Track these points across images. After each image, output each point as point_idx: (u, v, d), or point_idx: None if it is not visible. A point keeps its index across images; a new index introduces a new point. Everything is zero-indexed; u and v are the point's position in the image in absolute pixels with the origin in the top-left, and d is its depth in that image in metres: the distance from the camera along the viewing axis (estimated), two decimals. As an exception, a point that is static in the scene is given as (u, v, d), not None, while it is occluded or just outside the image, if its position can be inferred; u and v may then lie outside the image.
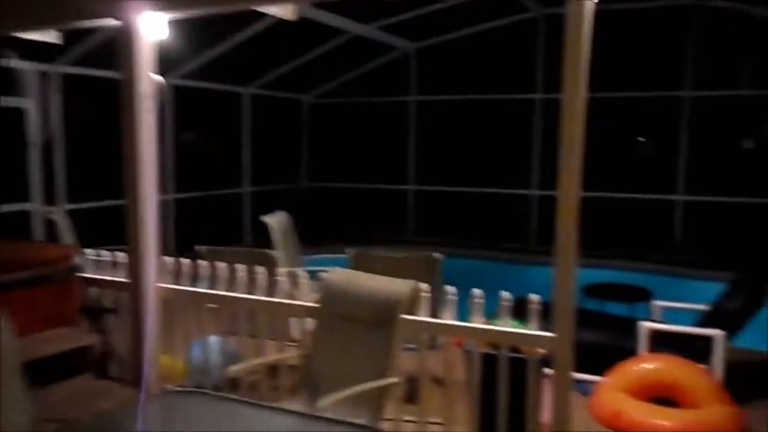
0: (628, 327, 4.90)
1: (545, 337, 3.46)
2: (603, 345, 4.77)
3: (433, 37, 10.83)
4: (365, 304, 3.48)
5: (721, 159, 10.06)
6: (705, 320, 4.79)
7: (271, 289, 4.13)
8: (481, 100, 10.99)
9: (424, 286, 3.74)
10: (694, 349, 4.58)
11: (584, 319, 5.19)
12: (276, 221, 5.81)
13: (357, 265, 4.27)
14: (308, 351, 3.60)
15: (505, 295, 3.70)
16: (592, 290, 6.06)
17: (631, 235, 10.49)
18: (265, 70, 10.06)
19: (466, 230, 11.12)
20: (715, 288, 8.97)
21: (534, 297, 3.65)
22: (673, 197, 10.18)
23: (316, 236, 11.17)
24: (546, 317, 3.55)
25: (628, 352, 4.54)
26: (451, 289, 3.73)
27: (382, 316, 3.42)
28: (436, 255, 4.25)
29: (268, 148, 11.19)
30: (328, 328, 3.56)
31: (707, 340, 4.47)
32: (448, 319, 3.70)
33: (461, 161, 11.38)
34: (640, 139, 10.67)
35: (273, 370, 4.03)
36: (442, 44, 10.95)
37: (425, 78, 11.32)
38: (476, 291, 3.73)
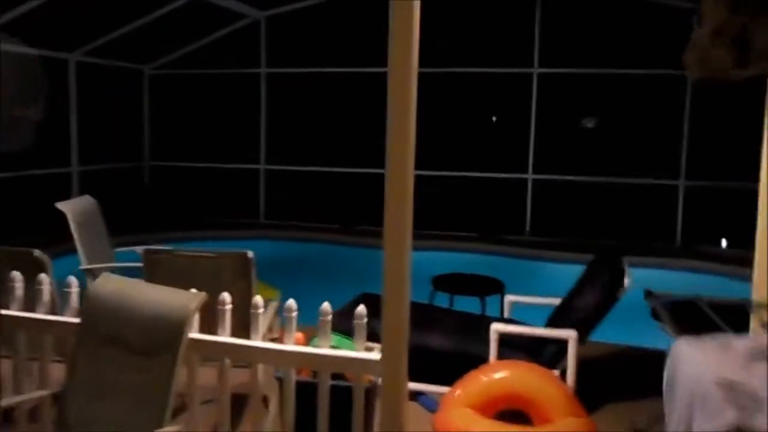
0: (478, 327, 4.32)
1: (368, 360, 2.73)
2: (452, 351, 4.16)
3: (284, 5, 9.90)
4: (138, 324, 2.60)
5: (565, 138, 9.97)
6: (557, 317, 4.29)
7: (35, 300, 3.17)
8: (335, 73, 10.20)
9: (226, 296, 2.92)
10: (547, 353, 4.07)
11: (431, 318, 4.61)
12: (74, 208, 4.71)
13: (150, 268, 3.37)
14: (62, 387, 2.70)
15: (325, 308, 2.93)
16: (441, 282, 5.43)
17: (485, 216, 10.19)
18: (94, 34, 8.74)
19: (321, 212, 10.36)
20: (572, 272, 9.08)
21: (361, 310, 2.90)
22: (525, 176, 9.97)
23: (158, 221, 10.04)
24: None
25: (478, 358, 3.96)
26: (291, 304, 2.91)
27: (160, 341, 2.57)
28: (249, 253, 3.40)
29: (103, 123, 9.86)
30: (88, 356, 2.66)
31: (560, 341, 3.97)
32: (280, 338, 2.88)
33: (315, 138, 10.56)
34: (493, 118, 10.34)
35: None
36: (293, 13, 10.04)
37: (277, 49, 10.38)
38: (291, 303, 2.94)
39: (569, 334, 3.85)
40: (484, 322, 4.41)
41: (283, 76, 10.43)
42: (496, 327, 3.99)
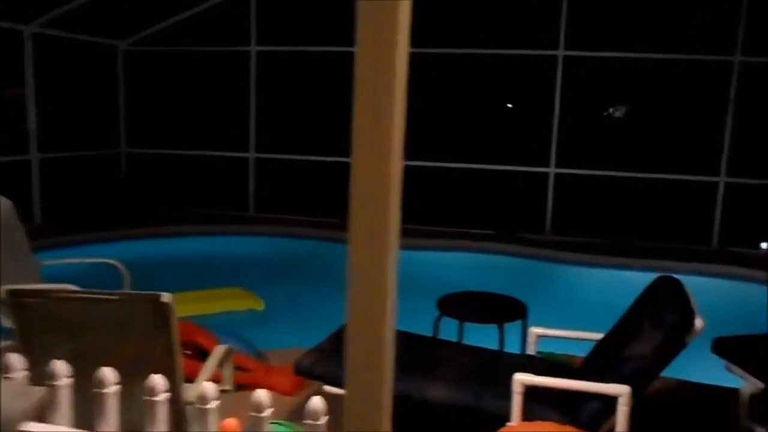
0: (496, 372, 3.36)
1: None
2: (459, 407, 3.19)
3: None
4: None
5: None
6: (602, 362, 3.32)
7: None
8: (334, 52, 9.19)
9: (158, 383, 1.96)
10: (587, 411, 3.10)
11: (432, 358, 3.63)
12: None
13: (20, 317, 2.36)
14: None
15: (260, 398, 1.95)
16: (449, 305, 4.41)
17: (502, 212, 9.23)
18: (54, 2, 7.76)
19: (318, 206, 9.39)
20: (597, 277, 8.10)
21: (316, 406, 1.92)
22: (547, 170, 9.00)
23: (136, 215, 9.12)
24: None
25: (495, 417, 3.01)
26: (207, 390, 1.92)
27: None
28: (165, 298, 2.35)
29: (69, 105, 8.90)
30: None
31: (605, 397, 3.00)
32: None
33: (311, 124, 9.57)
34: (508, 105, 9.34)
35: None
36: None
37: (268, 24, 9.38)
38: (207, 389, 1.95)
39: (620, 390, 2.88)
40: (504, 364, 3.46)
41: (275, 55, 9.45)
42: (521, 378, 3.02)
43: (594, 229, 8.90)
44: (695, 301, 3.17)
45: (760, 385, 3.49)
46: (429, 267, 7.93)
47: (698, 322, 2.83)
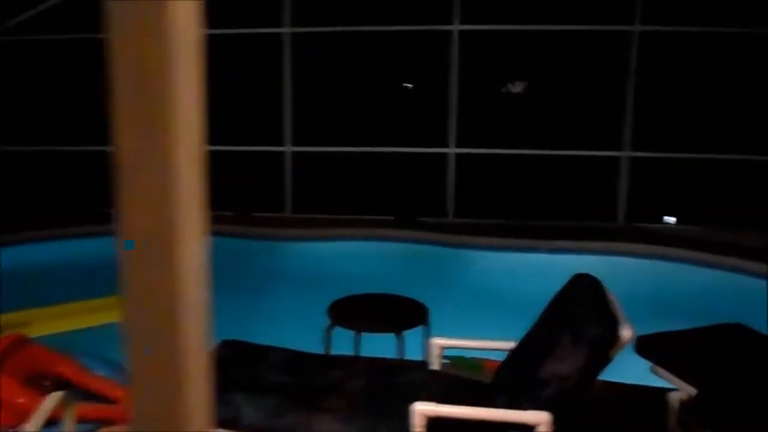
0: (393, 395, 2.82)
1: None
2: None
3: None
4: None
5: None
6: (517, 381, 2.84)
7: None
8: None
9: None
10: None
11: (325, 385, 3.04)
12: None
13: None
14: None
15: None
16: (341, 312, 3.84)
17: (401, 196, 8.75)
18: None
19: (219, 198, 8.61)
20: (504, 262, 7.73)
21: None
22: (447, 150, 8.57)
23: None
24: None
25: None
26: None
27: None
28: None
29: None
30: None
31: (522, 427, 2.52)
32: None
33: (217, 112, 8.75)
34: (408, 85, 8.83)
35: None
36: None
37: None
38: None
39: (539, 418, 2.40)
40: (404, 384, 2.92)
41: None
42: (422, 409, 2.49)
43: (498, 210, 8.56)
44: (617, 302, 2.74)
45: (692, 390, 3.11)
46: (324, 260, 7.37)
47: (625, 333, 2.38)
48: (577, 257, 7.44)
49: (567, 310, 2.62)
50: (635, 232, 8.13)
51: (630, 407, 3.68)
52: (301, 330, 4.36)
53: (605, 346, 2.34)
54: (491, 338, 4.24)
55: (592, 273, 6.47)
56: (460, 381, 3.05)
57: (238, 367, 2.94)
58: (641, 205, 8.51)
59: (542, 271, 7.20)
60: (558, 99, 8.47)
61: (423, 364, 3.23)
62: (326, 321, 3.84)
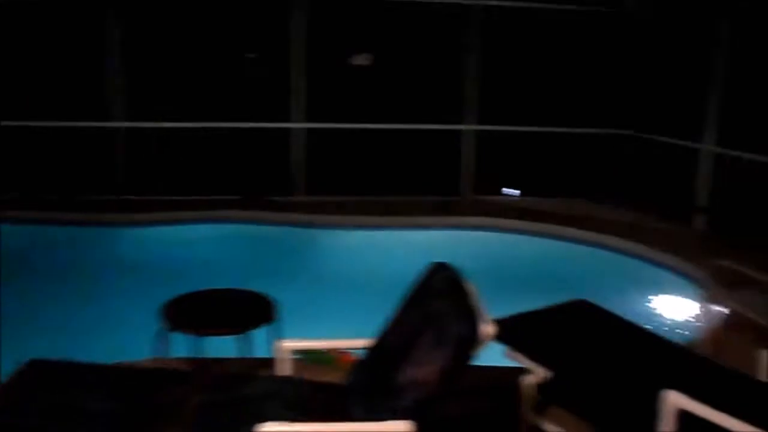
0: (242, 415, 2.50)
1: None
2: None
3: None
4: None
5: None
6: (370, 376, 2.61)
7: None
8: None
9: None
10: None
11: (158, 408, 2.63)
12: None
13: None
14: None
15: None
16: (176, 313, 3.43)
17: (250, 174, 8.30)
18: None
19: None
20: (341, 241, 7.49)
21: None
22: (292, 125, 8.22)
23: None
24: None
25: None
26: None
27: None
28: None
29: None
30: None
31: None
32: None
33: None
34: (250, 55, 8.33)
35: None
36: None
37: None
38: None
39: (401, 428, 2.19)
40: (251, 398, 2.61)
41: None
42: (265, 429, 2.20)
43: (348, 186, 8.37)
44: (477, 293, 2.57)
45: (545, 372, 3.04)
46: (161, 248, 6.79)
47: (488, 329, 2.21)
48: (428, 233, 7.42)
49: (425, 305, 2.41)
50: (481, 205, 8.25)
51: (485, 391, 3.59)
52: (130, 337, 3.91)
53: (467, 347, 2.16)
54: (345, 323, 4.01)
55: (444, 248, 6.43)
56: (312, 387, 2.78)
57: (49, 392, 2.49)
58: (485, 179, 8.64)
59: (393, 248, 7.10)
60: (403, 72, 8.34)
61: (271, 369, 2.92)
62: (159, 324, 3.40)
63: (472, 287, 2.59)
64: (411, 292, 2.66)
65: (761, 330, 3.87)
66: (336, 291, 5.89)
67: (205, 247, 6.90)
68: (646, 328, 3.43)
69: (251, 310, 3.48)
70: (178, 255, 6.54)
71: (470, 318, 2.23)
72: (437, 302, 2.37)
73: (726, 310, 4.16)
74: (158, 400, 2.54)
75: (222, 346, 3.46)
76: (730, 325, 4.38)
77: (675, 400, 2.43)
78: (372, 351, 2.66)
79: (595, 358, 3.10)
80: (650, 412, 2.56)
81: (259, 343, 3.53)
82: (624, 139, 8.54)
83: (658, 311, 5.72)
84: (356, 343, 2.83)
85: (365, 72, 8.30)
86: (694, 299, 5.50)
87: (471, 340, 2.18)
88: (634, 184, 8.50)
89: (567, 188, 8.62)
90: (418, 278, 2.69)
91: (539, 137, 8.51)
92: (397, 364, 2.31)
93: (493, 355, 3.38)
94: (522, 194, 8.62)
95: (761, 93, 6.50)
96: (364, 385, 2.55)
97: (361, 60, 8.27)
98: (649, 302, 5.90)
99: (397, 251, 6.86)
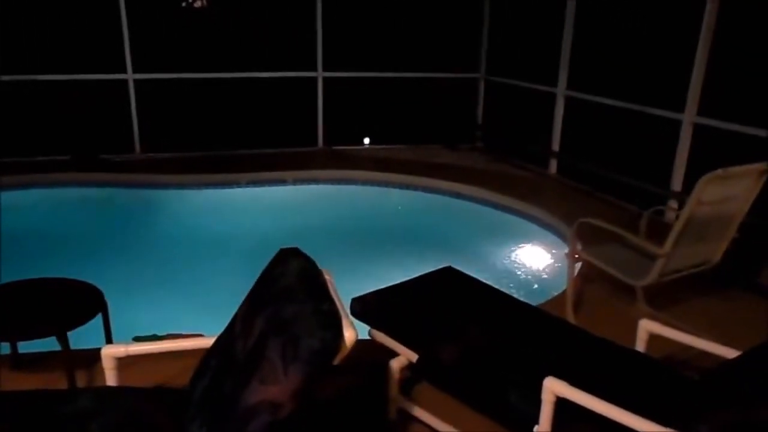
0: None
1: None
2: None
3: None
4: None
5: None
6: (212, 384, 2.21)
7: None
8: None
9: None
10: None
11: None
12: None
13: None
14: None
15: None
16: None
17: (83, 132, 7.42)
18: None
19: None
20: (202, 200, 6.89)
21: None
22: (125, 76, 7.39)
23: None
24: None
25: None
26: None
27: None
28: None
29: None
30: None
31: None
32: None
33: None
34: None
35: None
36: None
37: None
38: None
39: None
40: (68, 419, 2.15)
41: None
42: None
43: (191, 141, 7.71)
44: (332, 283, 2.23)
45: (412, 355, 2.78)
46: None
47: (348, 335, 1.87)
48: (279, 189, 6.99)
49: (274, 306, 2.03)
50: (335, 156, 7.91)
51: (350, 370, 3.31)
52: None
53: (327, 359, 1.82)
54: (184, 318, 3.57)
55: (299, 203, 5.92)
56: (143, 398, 2.35)
57: None
58: (338, 128, 8.28)
59: (239, 207, 6.62)
60: (245, 15, 7.70)
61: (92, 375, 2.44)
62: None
63: (328, 277, 2.25)
64: (258, 287, 2.26)
65: (617, 283, 3.87)
66: (181, 257, 5.39)
67: (31, 216, 6.08)
68: (517, 299, 3.25)
69: (74, 304, 2.94)
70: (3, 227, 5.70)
71: (326, 325, 1.88)
72: (287, 305, 1.99)
73: (584, 263, 4.12)
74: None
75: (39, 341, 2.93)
76: (589, 278, 4.37)
77: (553, 386, 2.24)
78: (217, 356, 2.26)
79: (463, 334, 2.88)
80: (524, 392, 2.38)
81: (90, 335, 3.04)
82: (474, 82, 8.46)
83: (520, 264, 5.68)
84: (199, 342, 2.43)
85: (202, 15, 7.58)
86: (555, 251, 5.50)
87: (328, 353, 1.83)
88: (487, 128, 8.48)
89: (419, 135, 8.45)
90: (265, 269, 2.30)
91: (388, 83, 8.23)
92: (246, 378, 1.93)
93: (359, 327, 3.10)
94: (371, 143, 8.35)
95: (609, 36, 6.54)
96: (207, 397, 2.15)
97: (198, 2, 7.53)
98: (510, 254, 5.85)
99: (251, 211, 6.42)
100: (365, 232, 6.09)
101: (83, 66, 7.19)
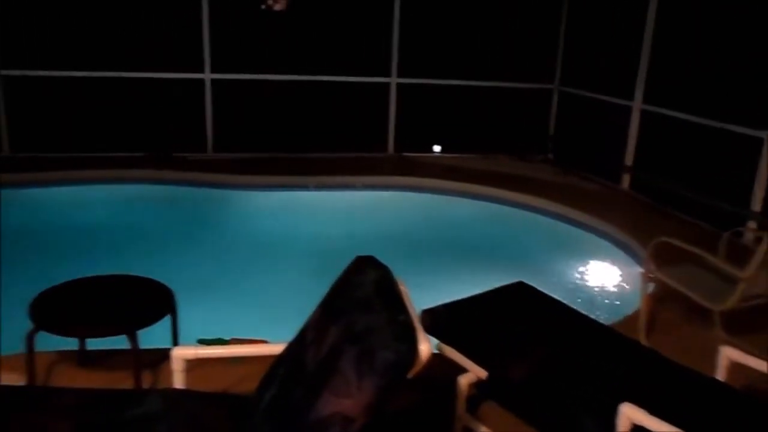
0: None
1: None
2: None
3: None
4: None
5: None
6: (281, 392, 2.18)
7: None
8: None
9: None
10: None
11: None
12: None
13: None
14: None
15: None
16: (49, 310, 2.81)
17: (158, 129, 7.57)
18: None
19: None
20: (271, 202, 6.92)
21: None
22: (202, 75, 7.49)
23: None
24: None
25: None
26: None
27: None
28: None
29: None
30: None
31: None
32: None
33: None
34: None
35: None
36: None
37: None
38: None
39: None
40: (134, 423, 2.14)
41: None
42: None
43: (262, 142, 7.78)
44: (408, 295, 2.16)
45: (481, 372, 2.69)
46: (56, 211, 6.04)
47: (423, 348, 1.81)
48: (347, 194, 6.97)
49: (348, 317, 1.98)
50: (405, 163, 7.86)
51: (418, 385, 3.23)
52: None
53: (401, 372, 1.76)
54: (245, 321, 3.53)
55: (367, 209, 5.83)
56: (213, 403, 2.33)
57: None
58: (408, 135, 8.22)
59: (310, 210, 6.63)
60: (325, 18, 7.72)
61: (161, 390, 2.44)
62: (29, 329, 2.83)
63: (403, 288, 2.18)
64: (332, 295, 2.22)
65: (691, 306, 3.68)
66: (251, 259, 5.42)
67: (107, 210, 6.22)
68: (590, 317, 3.12)
69: (145, 303, 2.96)
70: (71, 223, 5.84)
71: (401, 337, 1.81)
72: (363, 315, 1.94)
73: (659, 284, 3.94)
74: (17, 427, 2.03)
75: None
76: (661, 299, 4.18)
77: (630, 413, 2.12)
78: (286, 365, 2.22)
79: (535, 353, 2.77)
80: (598, 417, 2.25)
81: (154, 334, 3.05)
82: (548, 93, 8.29)
83: (590, 281, 5.49)
84: (268, 349, 2.39)
85: (281, 18, 7.63)
86: (627, 269, 5.30)
87: (402, 366, 1.76)
88: (559, 139, 8.29)
89: (489, 144, 8.31)
90: (341, 277, 2.25)
91: (461, 91, 8.13)
92: (317, 389, 1.88)
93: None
94: (443, 150, 8.25)
95: (689, 51, 6.28)
96: (275, 406, 2.11)
97: (278, 4, 7.58)
98: (578, 270, 5.67)
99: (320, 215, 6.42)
100: (431, 240, 6.01)
101: (163, 64, 7.34)
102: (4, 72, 6.97)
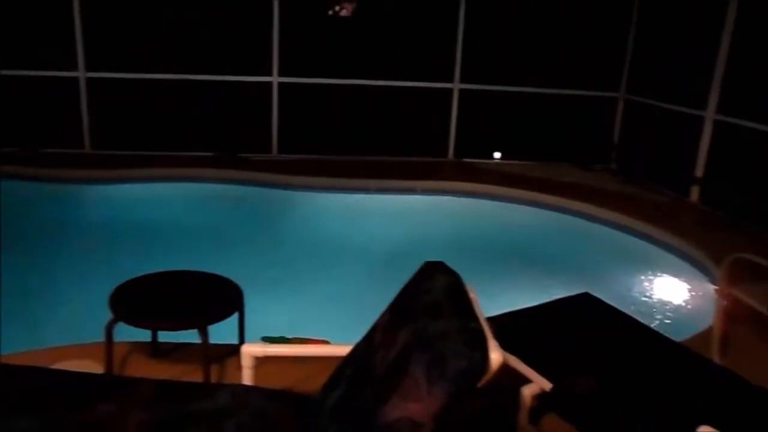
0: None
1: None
2: None
3: None
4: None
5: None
6: (348, 393, 2.18)
7: None
8: None
9: None
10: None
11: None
12: None
13: None
14: None
15: None
16: (126, 302, 2.91)
17: (225, 131, 7.72)
18: None
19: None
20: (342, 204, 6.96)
21: None
22: (270, 78, 7.61)
23: None
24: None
25: None
26: None
27: None
28: None
29: None
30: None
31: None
32: None
33: None
34: None
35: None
36: None
37: None
38: None
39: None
40: (203, 416, 2.17)
41: None
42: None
43: (324, 144, 7.86)
44: (477, 301, 2.13)
45: (546, 383, 2.64)
46: (131, 207, 6.23)
47: (494, 357, 1.78)
48: (407, 198, 6.96)
49: (417, 321, 1.97)
50: (466, 168, 7.80)
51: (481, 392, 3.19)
52: (80, 321, 3.43)
53: (472, 380, 1.74)
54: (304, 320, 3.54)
55: (426, 213, 5.78)
56: (278, 400, 2.35)
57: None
58: (469, 140, 8.16)
59: (371, 212, 6.64)
60: (391, 24, 7.75)
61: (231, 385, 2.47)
62: (109, 318, 2.91)
63: (473, 295, 2.16)
64: (401, 299, 2.21)
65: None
66: (312, 259, 5.46)
67: (176, 207, 6.38)
68: (659, 333, 3.03)
69: (214, 299, 3.01)
70: (144, 217, 6.01)
71: (474, 344, 1.79)
72: (433, 321, 1.92)
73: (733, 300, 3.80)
74: (85, 419, 2.09)
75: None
76: (735, 317, 4.03)
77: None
78: (353, 366, 2.23)
79: (602, 367, 2.70)
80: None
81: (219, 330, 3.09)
82: (613, 101, 8.11)
83: (656, 296, 5.32)
84: (334, 350, 2.40)
85: (346, 24, 7.69)
86: (696, 284, 5.13)
87: (474, 374, 1.74)
88: (623, 149, 8.10)
89: (551, 152, 8.18)
90: (410, 282, 2.24)
91: (524, 98, 8.02)
92: (386, 392, 1.87)
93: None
94: (503, 157, 8.16)
95: (763, 60, 6.05)
96: (341, 407, 2.11)
97: (344, 10, 7.65)
98: (643, 284, 5.50)
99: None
100: (490, 247, 5.94)
101: (234, 68, 7.48)
102: (90, 74, 7.23)
